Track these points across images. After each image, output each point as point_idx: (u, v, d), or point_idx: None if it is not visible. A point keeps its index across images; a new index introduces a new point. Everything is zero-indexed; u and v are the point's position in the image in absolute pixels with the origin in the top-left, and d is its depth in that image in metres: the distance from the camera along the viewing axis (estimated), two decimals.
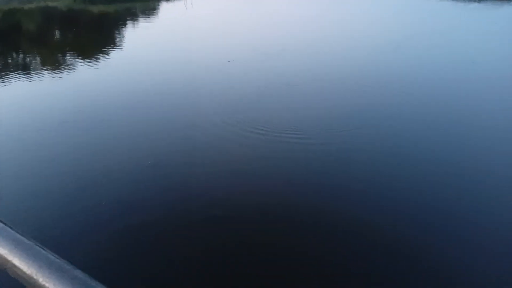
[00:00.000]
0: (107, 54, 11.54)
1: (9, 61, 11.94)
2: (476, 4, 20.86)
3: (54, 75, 9.33)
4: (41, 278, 0.55)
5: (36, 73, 9.52)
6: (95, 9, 23.76)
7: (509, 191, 4.26)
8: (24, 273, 0.56)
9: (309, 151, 5.14)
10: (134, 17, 20.54)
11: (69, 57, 11.79)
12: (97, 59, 11.06)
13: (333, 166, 4.81)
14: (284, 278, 3.16)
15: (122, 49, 12.37)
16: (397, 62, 10.03)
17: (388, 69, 9.28)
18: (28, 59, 12.04)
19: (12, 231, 0.61)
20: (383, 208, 3.99)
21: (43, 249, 0.59)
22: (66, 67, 10.17)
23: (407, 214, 3.90)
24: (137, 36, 15.22)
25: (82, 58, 11.23)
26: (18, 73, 9.46)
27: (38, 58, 12.22)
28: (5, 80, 8.80)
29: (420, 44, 11.83)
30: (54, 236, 3.61)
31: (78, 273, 0.56)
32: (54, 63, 10.95)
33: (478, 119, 6.15)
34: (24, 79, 8.95)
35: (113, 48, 12.40)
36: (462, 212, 3.92)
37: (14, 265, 0.57)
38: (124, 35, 15.45)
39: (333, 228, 3.73)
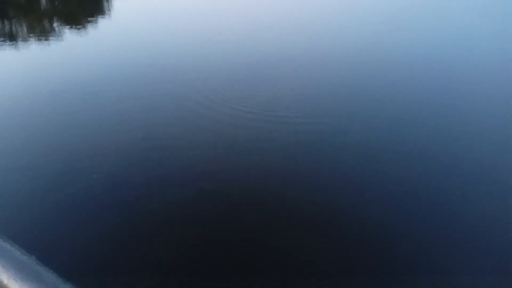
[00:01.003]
0: (96, 23, 11.28)
1: None
2: None
3: (41, 44, 9.14)
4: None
5: (22, 41, 9.30)
6: None
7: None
8: None
9: (300, 130, 5.17)
10: None
11: (57, 26, 11.50)
12: (85, 28, 10.81)
13: (323, 145, 4.88)
14: (278, 253, 3.28)
15: (110, 18, 12.10)
16: (394, 40, 9.98)
17: (385, 47, 9.25)
18: (14, 26, 11.72)
19: None
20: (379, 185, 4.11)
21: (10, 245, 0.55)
22: (53, 36, 9.95)
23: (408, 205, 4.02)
24: (127, 4, 14.83)
25: (69, 27, 10.97)
26: (3, 41, 9.24)
27: (24, 26, 11.90)
28: None
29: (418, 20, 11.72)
30: (44, 210, 3.69)
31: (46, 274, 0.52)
32: (42, 31, 10.69)
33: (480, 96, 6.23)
34: (9, 47, 8.75)
35: (102, 17, 12.11)
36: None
37: None
38: (113, 3, 15.02)
39: (326, 204, 3.83)
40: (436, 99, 6.14)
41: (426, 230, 3.47)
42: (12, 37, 9.88)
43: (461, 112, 5.73)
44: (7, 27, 11.42)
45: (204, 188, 3.97)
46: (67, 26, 11.11)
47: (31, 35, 10.29)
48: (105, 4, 15.05)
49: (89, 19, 12.04)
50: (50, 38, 9.71)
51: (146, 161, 4.46)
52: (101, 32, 10.47)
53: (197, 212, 3.68)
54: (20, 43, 9.14)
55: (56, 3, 16.09)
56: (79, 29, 10.74)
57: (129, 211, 3.68)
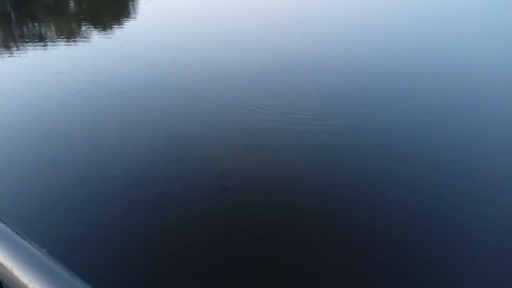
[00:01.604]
0: (122, 24, 11.52)
1: (24, 30, 12.02)
2: None
3: (70, 45, 9.40)
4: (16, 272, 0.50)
5: (51, 43, 9.59)
6: None
7: None
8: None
9: (322, 130, 5.12)
10: None
11: (84, 28, 11.80)
12: (111, 29, 11.05)
13: (346, 145, 4.82)
14: (294, 253, 3.26)
15: (136, 19, 12.33)
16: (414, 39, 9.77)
17: (405, 45, 9.07)
18: (42, 28, 12.10)
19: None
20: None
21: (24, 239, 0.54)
22: (82, 38, 10.21)
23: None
24: (153, 6, 15.09)
25: (96, 28, 11.24)
26: (34, 43, 9.55)
27: (52, 27, 12.27)
28: (20, 49, 8.92)
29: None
30: (71, 205, 3.78)
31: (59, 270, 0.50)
32: (69, 33, 10.99)
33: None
34: (38, 48, 9.04)
35: (128, 19, 12.36)
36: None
37: None
38: (139, 5, 15.31)
39: (351, 207, 3.80)
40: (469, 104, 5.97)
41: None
42: (41, 38, 10.20)
43: (487, 122, 5.52)
44: (36, 29, 11.80)
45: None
46: (94, 28, 11.39)
47: (59, 36, 10.60)
48: (131, 6, 15.33)
49: (115, 20, 12.29)
50: (77, 39, 9.97)
51: (171, 159, 4.52)
52: (127, 33, 10.67)
53: (217, 210, 3.70)
54: (49, 44, 9.42)
55: (83, 5, 16.53)
56: (105, 30, 10.98)
57: (151, 208, 3.74)
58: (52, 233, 3.42)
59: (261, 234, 3.45)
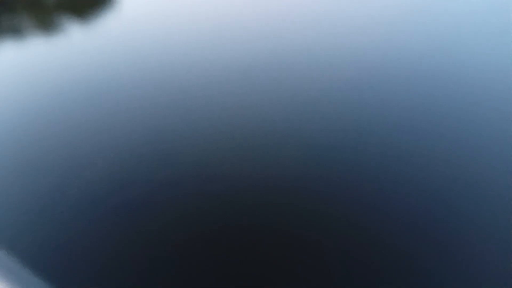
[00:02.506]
0: (102, 16, 11.08)
1: None
2: None
3: (46, 38, 8.97)
4: None
5: (24, 37, 9.14)
6: None
7: None
8: None
9: (319, 129, 5.00)
10: None
11: (63, 18, 11.31)
12: (90, 21, 10.62)
13: (343, 144, 4.70)
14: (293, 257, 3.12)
15: (119, 11, 11.90)
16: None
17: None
18: (16, 20, 11.54)
19: None
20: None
21: None
22: (58, 31, 9.77)
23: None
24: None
25: (76, 18, 10.78)
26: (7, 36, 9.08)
27: (26, 19, 11.72)
28: None
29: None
30: (54, 203, 3.54)
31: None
32: (46, 25, 10.51)
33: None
34: (8, 41, 8.59)
35: (109, 10, 11.91)
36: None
37: None
38: None
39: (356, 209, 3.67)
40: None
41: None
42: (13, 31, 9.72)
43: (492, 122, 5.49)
44: (10, 22, 11.24)
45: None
46: (73, 20, 10.92)
47: (35, 29, 10.13)
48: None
49: (96, 11, 11.84)
50: (55, 32, 9.53)
51: (156, 160, 4.29)
52: (108, 26, 10.28)
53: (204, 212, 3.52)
54: (24, 38, 8.97)
55: None
56: (84, 22, 10.54)
57: (134, 212, 3.52)
58: (33, 238, 3.18)
59: (254, 237, 3.28)
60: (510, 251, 3.15)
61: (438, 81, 6.29)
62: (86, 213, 3.49)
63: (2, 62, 7.48)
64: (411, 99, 5.63)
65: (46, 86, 6.19)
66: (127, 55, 7.63)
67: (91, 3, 12.57)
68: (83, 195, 3.70)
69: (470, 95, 5.86)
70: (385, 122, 5.06)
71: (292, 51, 7.64)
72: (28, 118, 5.21)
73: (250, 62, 7.05)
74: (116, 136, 4.71)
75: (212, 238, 3.27)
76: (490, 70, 6.79)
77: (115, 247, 3.15)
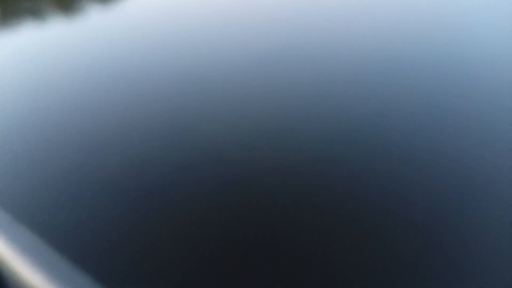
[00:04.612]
0: (106, 9, 11.12)
1: None
2: None
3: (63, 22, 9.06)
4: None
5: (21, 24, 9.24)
6: None
7: None
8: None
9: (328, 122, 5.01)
10: None
11: (76, 3, 11.39)
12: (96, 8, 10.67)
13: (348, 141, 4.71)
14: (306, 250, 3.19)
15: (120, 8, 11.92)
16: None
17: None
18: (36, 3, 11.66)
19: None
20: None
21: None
22: (71, 12, 9.85)
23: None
24: None
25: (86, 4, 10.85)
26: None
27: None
28: None
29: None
30: (62, 190, 3.68)
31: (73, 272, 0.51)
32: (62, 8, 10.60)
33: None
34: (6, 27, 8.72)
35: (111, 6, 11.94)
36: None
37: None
38: None
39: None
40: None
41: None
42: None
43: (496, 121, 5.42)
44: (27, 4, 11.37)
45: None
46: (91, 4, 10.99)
47: (55, 12, 10.23)
48: None
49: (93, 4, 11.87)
50: (72, 16, 9.63)
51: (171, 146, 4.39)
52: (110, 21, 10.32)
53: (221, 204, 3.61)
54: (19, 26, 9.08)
55: None
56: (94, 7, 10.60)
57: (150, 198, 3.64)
58: (48, 224, 3.33)
59: (269, 233, 3.37)
60: (510, 251, 3.18)
61: (454, 78, 6.21)
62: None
63: (21, 45, 7.61)
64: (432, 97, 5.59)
65: (72, 68, 6.31)
66: (153, 39, 7.69)
67: None
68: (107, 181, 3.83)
69: (479, 93, 5.79)
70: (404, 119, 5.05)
71: (311, 44, 7.60)
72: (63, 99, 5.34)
73: (266, 55, 7.05)
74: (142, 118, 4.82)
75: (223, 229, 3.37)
76: (495, 69, 6.68)
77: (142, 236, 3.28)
